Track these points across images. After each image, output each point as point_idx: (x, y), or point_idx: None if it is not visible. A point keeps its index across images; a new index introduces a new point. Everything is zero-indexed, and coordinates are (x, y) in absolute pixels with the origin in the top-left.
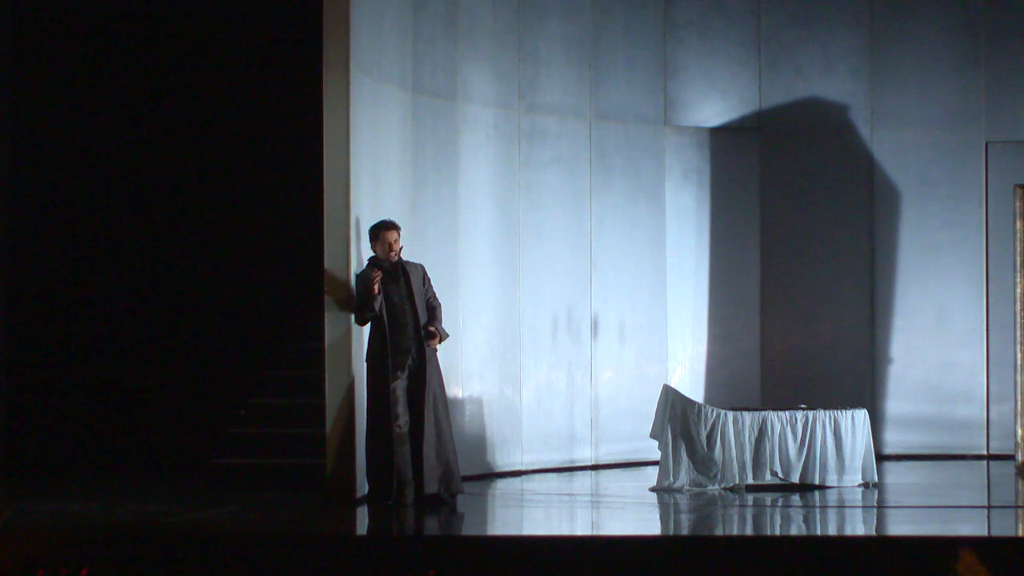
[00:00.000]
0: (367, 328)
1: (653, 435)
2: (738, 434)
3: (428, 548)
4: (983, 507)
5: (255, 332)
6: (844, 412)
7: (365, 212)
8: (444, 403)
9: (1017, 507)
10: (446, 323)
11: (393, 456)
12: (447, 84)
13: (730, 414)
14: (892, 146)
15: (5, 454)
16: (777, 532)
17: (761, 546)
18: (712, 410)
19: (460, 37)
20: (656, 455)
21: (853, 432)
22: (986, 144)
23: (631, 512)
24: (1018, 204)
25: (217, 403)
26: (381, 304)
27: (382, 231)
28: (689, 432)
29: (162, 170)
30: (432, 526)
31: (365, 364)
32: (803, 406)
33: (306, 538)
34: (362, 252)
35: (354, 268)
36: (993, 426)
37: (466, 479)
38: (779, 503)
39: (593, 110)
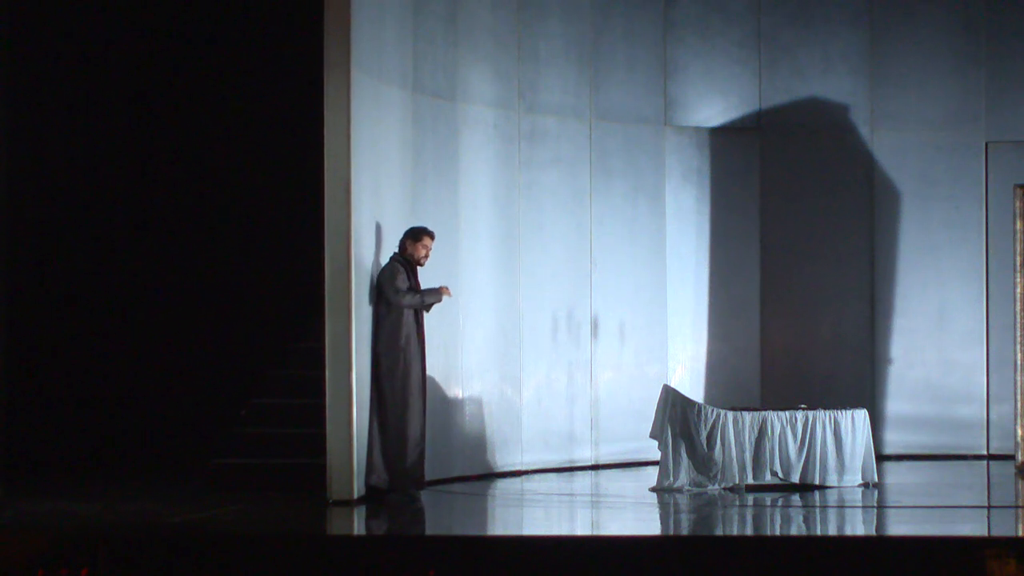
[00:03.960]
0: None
1: (653, 435)
2: (738, 434)
3: (428, 548)
4: (983, 507)
5: (256, 332)
6: (844, 412)
7: (365, 212)
8: None
9: (1017, 507)
10: (446, 321)
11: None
12: (447, 84)
13: (730, 414)
14: (892, 146)
15: (5, 454)
16: (777, 532)
17: (761, 546)
18: (712, 410)
19: (460, 37)
20: (656, 455)
21: (853, 432)
22: (986, 144)
23: (631, 512)
24: (1018, 204)
25: (217, 403)
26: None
27: (426, 236)
28: (689, 432)
29: (162, 170)
30: (432, 526)
31: (380, 361)
32: (803, 406)
33: (306, 538)
34: (363, 253)
35: (354, 268)
36: (993, 426)
37: (466, 479)
38: (779, 503)
39: (593, 110)
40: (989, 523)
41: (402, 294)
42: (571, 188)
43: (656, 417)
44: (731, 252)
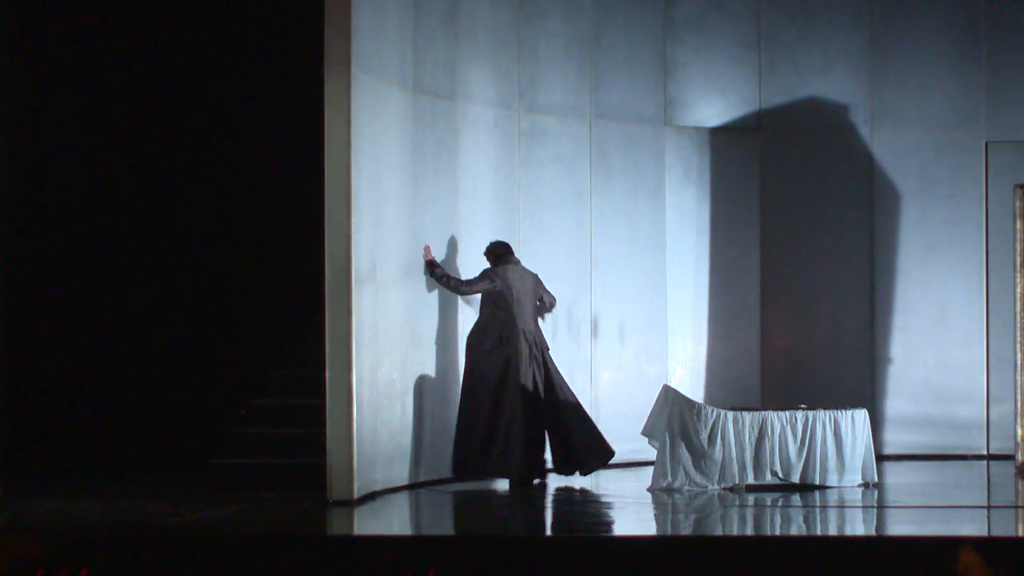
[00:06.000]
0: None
1: (644, 432)
2: (738, 434)
3: (428, 548)
4: (983, 507)
5: (256, 332)
6: (844, 412)
7: (365, 211)
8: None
9: (1017, 507)
10: (446, 321)
11: None
12: (447, 83)
13: (730, 414)
14: (892, 146)
15: (5, 454)
16: (777, 532)
17: (761, 546)
18: (712, 410)
19: (460, 36)
20: None
21: (853, 432)
22: (986, 144)
23: (631, 512)
24: (1018, 204)
25: (217, 403)
26: None
27: None
28: (688, 432)
29: (163, 169)
30: (432, 526)
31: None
32: (803, 406)
33: (306, 538)
34: (363, 253)
35: (355, 266)
36: (993, 426)
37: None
38: (779, 503)
39: (593, 109)
40: (989, 523)
41: None
42: (571, 187)
43: (651, 415)
44: (731, 252)
